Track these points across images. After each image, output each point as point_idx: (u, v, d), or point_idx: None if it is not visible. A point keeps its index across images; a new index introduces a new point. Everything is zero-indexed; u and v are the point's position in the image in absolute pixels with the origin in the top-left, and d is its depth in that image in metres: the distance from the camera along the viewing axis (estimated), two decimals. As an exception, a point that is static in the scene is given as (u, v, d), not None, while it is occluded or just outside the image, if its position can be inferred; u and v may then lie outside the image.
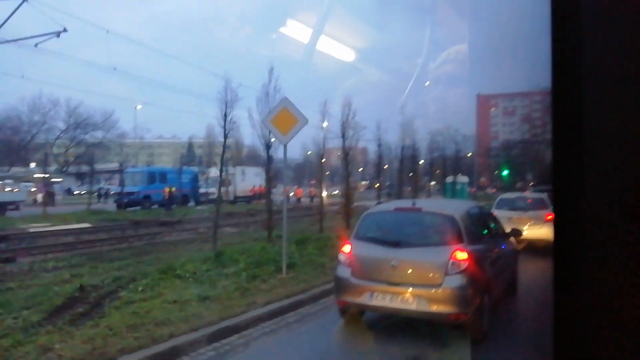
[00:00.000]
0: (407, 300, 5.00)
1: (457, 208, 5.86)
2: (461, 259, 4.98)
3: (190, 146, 65.80)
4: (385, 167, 23.71)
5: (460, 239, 5.20)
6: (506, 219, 10.21)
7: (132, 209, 28.47)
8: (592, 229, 1.07)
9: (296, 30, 20.56)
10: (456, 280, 4.92)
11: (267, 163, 12.44)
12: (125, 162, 43.92)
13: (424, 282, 5.05)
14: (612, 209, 1.06)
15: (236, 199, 35.62)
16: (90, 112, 47.97)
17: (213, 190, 29.33)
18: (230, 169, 34.70)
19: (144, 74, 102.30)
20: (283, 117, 8.16)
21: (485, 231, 6.40)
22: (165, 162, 58.98)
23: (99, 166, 42.10)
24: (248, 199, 36.37)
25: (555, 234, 1.17)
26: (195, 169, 40.27)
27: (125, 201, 29.49)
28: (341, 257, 5.64)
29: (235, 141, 44.55)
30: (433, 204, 7.64)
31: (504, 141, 54.15)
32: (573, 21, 1.09)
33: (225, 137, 10.51)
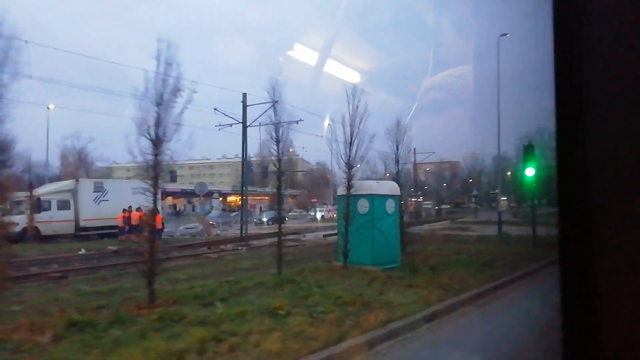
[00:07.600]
0: None
1: None
2: None
3: (248, 164, 66.47)
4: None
5: None
6: None
7: None
8: (598, 234, 1.05)
9: (303, 54, 20.37)
10: None
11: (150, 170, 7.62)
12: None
13: None
14: (617, 214, 1.04)
15: (81, 231, 22.61)
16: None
17: (17, 219, 17.85)
18: (64, 184, 23.79)
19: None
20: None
21: None
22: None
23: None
24: (120, 231, 21.98)
25: (560, 240, 1.13)
26: None
27: None
28: None
29: (290, 157, 42.05)
30: None
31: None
32: (576, 30, 1.11)
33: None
